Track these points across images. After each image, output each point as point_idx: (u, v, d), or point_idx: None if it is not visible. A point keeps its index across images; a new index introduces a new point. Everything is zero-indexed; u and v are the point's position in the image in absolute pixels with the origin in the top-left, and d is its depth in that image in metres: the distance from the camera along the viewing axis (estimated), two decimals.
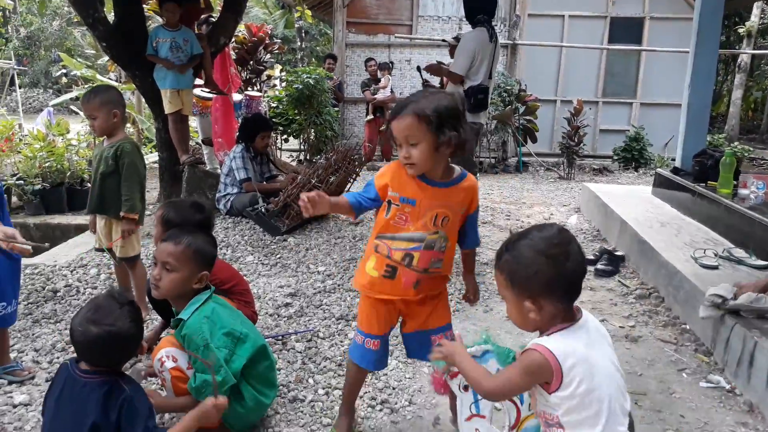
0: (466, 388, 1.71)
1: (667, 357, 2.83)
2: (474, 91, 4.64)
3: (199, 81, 5.80)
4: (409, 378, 2.63)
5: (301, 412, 2.35)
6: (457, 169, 1.98)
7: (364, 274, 2.01)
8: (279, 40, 10.45)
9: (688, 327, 3.11)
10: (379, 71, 9.01)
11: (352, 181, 5.38)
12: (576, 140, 8.33)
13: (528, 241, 1.42)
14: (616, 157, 9.08)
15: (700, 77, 5.01)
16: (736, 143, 11.62)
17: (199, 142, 7.23)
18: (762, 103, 19.41)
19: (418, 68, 6.48)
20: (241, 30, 8.43)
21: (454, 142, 1.84)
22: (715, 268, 3.31)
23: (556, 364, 1.35)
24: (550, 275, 1.38)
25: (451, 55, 5.20)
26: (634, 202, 5.05)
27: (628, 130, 9.40)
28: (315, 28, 21.50)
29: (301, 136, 8.81)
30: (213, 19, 6.35)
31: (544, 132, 9.46)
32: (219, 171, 5.61)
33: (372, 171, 8.76)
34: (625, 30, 9.67)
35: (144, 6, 5.88)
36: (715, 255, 3.46)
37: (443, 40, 5.80)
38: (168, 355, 2.03)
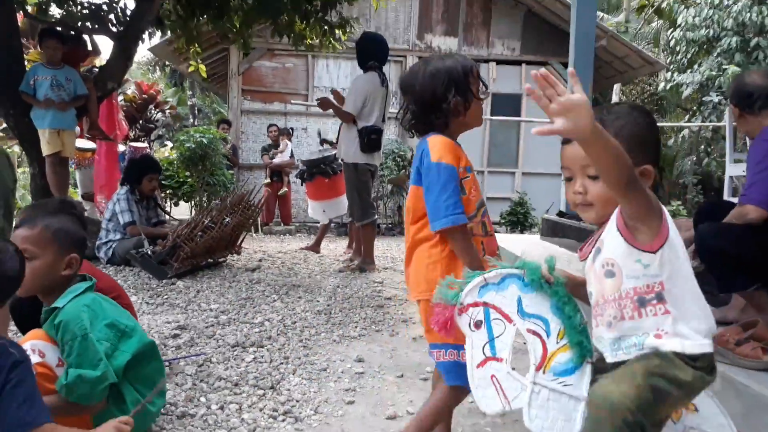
0: (477, 324, 1.40)
1: None
2: (368, 132, 4.75)
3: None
4: (314, 392, 2.43)
5: (192, 426, 2.07)
6: None
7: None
8: (170, 100, 10.24)
9: None
10: (279, 137, 9.04)
11: (250, 225, 5.17)
12: None
13: (624, 106, 1.36)
14: (503, 221, 9.51)
15: None
16: None
17: (80, 198, 6.75)
18: None
19: (319, 133, 6.64)
20: (130, 88, 8.17)
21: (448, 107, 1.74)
22: None
23: (660, 208, 1.21)
24: (657, 135, 1.35)
25: None
26: (525, 243, 5.25)
27: (513, 198, 9.95)
28: (209, 107, 21.43)
29: (193, 200, 8.49)
30: (96, 69, 6.12)
31: None
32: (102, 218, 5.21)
33: (269, 234, 8.54)
34: (506, 105, 10.46)
35: (24, 56, 5.54)
36: None
37: (333, 91, 5.91)
38: (34, 348, 1.73)
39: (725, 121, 4.24)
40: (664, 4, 12.07)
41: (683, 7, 11.32)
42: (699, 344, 1.20)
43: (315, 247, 6.30)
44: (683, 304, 1.22)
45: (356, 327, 3.38)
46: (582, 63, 5.53)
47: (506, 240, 5.52)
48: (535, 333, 1.39)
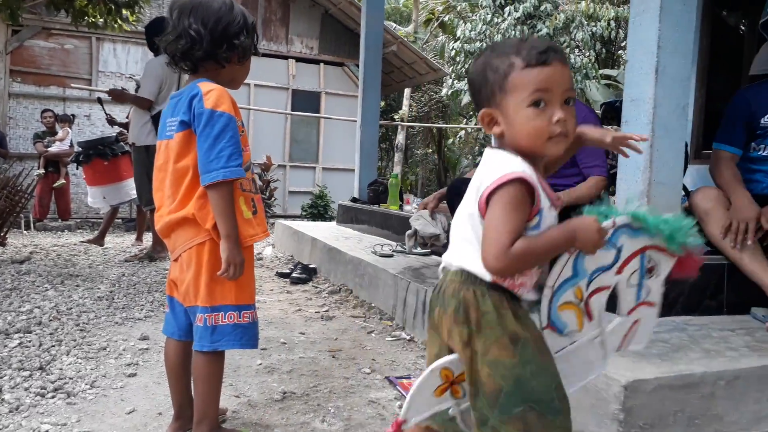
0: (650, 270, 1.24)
1: (358, 326, 3.04)
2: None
3: None
4: (91, 369, 2.28)
5: None
6: None
7: (246, 223, 1.60)
8: None
9: (373, 305, 3.40)
10: (58, 123, 8.12)
11: (17, 213, 4.61)
12: (267, 194, 8.68)
13: None
14: (304, 213, 9.71)
15: (367, 120, 5.81)
16: None
17: None
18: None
19: (99, 100, 6.08)
20: None
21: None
22: (391, 256, 3.74)
23: None
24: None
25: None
26: (322, 228, 5.45)
27: (314, 191, 10.20)
28: None
29: None
30: None
31: None
32: None
33: (43, 231, 7.61)
34: (306, 101, 10.68)
35: None
36: (390, 249, 3.91)
37: (131, 76, 5.57)
38: None
39: None
40: (446, 19, 13.29)
41: (461, 21, 12.59)
42: None
43: (99, 240, 5.81)
44: None
45: (142, 309, 3.23)
46: (371, 65, 5.90)
47: (304, 226, 5.67)
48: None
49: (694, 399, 1.66)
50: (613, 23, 11.87)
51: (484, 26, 12.18)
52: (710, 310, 2.42)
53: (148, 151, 4.63)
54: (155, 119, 4.61)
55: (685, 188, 3.11)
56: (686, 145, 2.99)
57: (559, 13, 11.79)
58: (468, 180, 3.21)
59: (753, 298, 2.39)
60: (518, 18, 11.85)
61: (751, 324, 2.30)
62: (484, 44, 11.99)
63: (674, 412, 1.64)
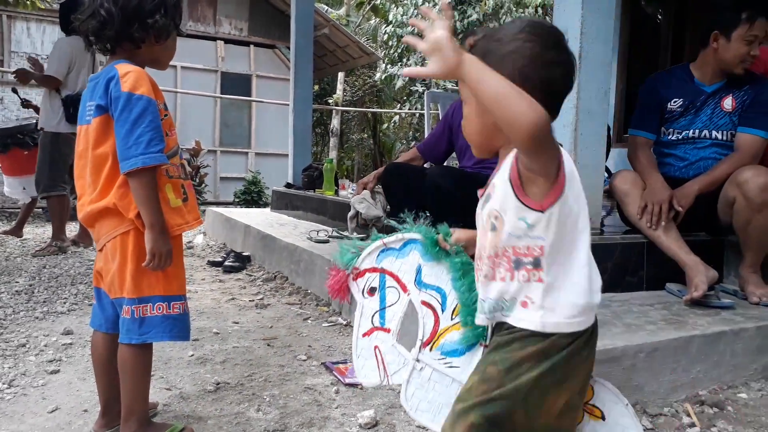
0: (371, 291, 1.31)
1: (294, 313, 3.01)
2: (73, 101, 4.40)
3: None
4: (9, 367, 2.16)
5: None
6: None
7: (173, 211, 1.57)
8: None
9: (309, 291, 3.38)
10: None
11: None
12: (198, 180, 8.44)
13: (511, 24, 1.10)
14: (237, 200, 9.50)
15: (300, 104, 5.73)
16: None
17: None
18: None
19: (14, 90, 5.74)
20: None
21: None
22: (327, 242, 3.73)
23: (560, 161, 0.97)
24: (531, 60, 1.03)
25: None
26: (255, 215, 5.36)
27: (247, 177, 9.99)
28: None
29: None
30: None
31: None
32: None
33: None
34: (236, 84, 10.40)
35: None
36: (326, 234, 3.89)
37: (30, 59, 5.23)
38: None
39: (425, 109, 4.87)
40: (378, 2, 13.24)
41: (393, 5, 12.59)
42: (565, 322, 1.02)
43: (16, 231, 5.48)
44: (563, 274, 1.02)
45: (65, 303, 3.08)
46: (303, 48, 5.80)
47: (237, 213, 5.56)
48: (429, 305, 1.27)
49: (616, 371, 1.74)
50: (540, 10, 12.17)
51: (416, 10, 12.21)
52: (631, 286, 2.55)
53: (59, 139, 4.44)
54: (66, 104, 4.40)
55: (608, 170, 3.25)
56: (609, 129, 3.12)
57: None
58: (405, 165, 3.21)
59: (668, 274, 2.53)
60: (448, 3, 11.93)
61: (668, 298, 2.44)
62: (416, 29, 12.03)
63: None
